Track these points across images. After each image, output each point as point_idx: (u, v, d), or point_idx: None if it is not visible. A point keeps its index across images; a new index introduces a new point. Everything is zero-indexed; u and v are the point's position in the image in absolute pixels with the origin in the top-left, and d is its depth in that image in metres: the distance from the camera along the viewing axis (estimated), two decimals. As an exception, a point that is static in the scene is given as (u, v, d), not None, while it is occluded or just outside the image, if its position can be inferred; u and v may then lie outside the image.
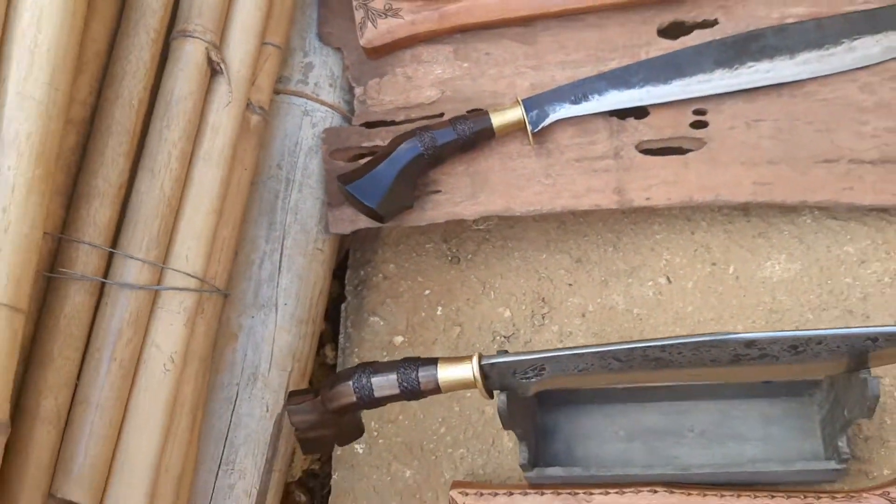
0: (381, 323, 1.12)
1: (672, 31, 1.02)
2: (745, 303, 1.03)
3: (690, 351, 0.75)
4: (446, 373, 0.80)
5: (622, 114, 1.01)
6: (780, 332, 0.73)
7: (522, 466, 0.91)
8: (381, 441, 1.07)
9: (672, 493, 0.90)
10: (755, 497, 0.90)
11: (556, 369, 0.78)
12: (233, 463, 0.92)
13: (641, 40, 1.01)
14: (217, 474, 0.91)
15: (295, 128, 1.02)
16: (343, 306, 1.14)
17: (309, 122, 1.03)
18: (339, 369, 1.11)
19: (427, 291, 1.12)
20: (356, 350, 1.11)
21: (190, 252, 0.84)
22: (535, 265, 1.10)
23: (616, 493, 0.92)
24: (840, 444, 0.85)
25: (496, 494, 0.95)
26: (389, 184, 0.95)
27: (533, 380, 0.79)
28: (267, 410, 0.94)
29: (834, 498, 0.89)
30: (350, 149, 1.01)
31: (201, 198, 0.85)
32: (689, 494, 0.90)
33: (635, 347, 0.75)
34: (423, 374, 0.80)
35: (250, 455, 0.93)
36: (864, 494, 0.88)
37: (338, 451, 1.07)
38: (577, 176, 1.00)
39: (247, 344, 0.95)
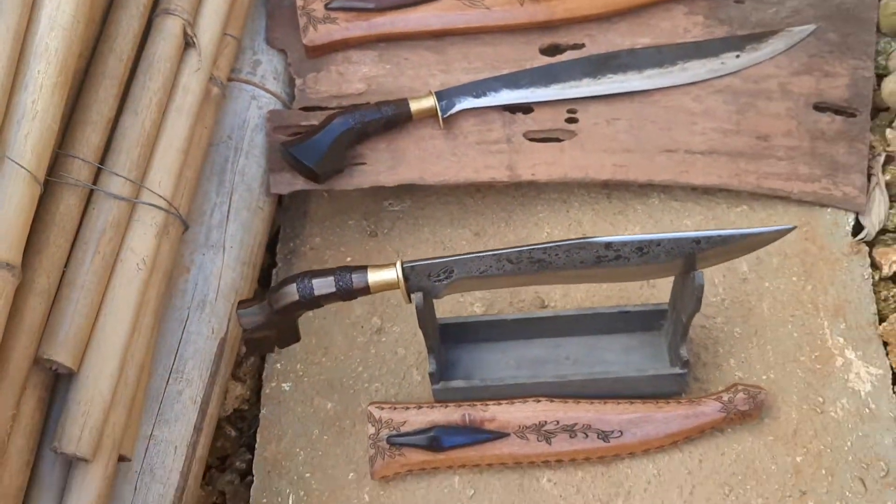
0: (308, 285, 1.30)
1: (550, 50, 1.30)
2: (609, 264, 1.27)
3: (564, 252, 0.97)
4: (375, 275, 0.99)
5: (513, 109, 1.27)
6: (629, 235, 0.97)
7: (431, 375, 1.10)
8: (305, 379, 1.23)
9: (552, 401, 1.11)
10: (618, 403, 1.11)
11: (462, 271, 0.99)
12: (181, 372, 1.06)
13: (526, 56, 1.29)
14: (168, 381, 1.05)
15: (244, 108, 1.22)
16: (274, 271, 1.31)
17: (256, 105, 1.23)
18: (269, 323, 1.27)
19: (349, 259, 1.31)
20: (285, 306, 1.28)
21: (162, 180, 1.01)
22: (441, 238, 1.31)
23: (507, 403, 1.11)
24: (681, 351, 1.09)
25: (407, 408, 1.13)
26: (325, 149, 1.16)
27: (444, 281, 0.99)
28: (213, 332, 1.10)
29: (679, 403, 1.11)
30: (289, 126, 1.22)
31: (172, 140, 1.03)
32: (566, 402, 1.11)
33: (522, 250, 0.97)
34: (356, 276, 0.99)
35: (197, 368, 1.07)
36: (703, 399, 1.11)
37: (266, 388, 1.22)
38: (477, 155, 1.24)
39: (198, 276, 1.11)
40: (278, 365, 1.24)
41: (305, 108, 1.24)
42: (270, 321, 1.01)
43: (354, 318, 1.27)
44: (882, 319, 1.19)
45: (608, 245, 0.97)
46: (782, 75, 1.30)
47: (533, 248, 0.97)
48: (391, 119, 1.20)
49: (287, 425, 1.19)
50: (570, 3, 1.27)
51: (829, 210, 1.28)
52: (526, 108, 1.27)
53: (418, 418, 1.11)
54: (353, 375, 1.23)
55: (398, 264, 0.98)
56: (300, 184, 1.21)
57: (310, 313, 1.27)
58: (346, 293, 0.99)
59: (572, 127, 1.27)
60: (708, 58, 1.29)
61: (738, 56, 1.29)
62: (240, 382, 1.23)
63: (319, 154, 1.16)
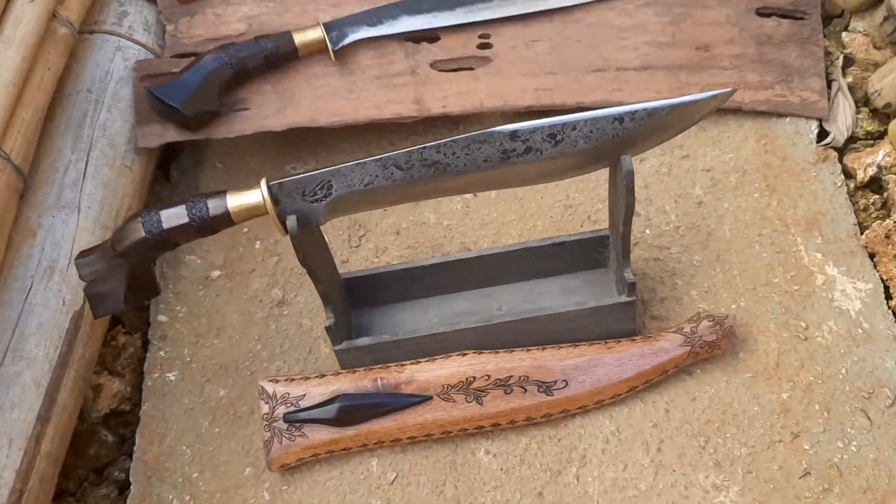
0: (199, 261, 1.11)
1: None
2: (542, 204, 1.10)
3: (463, 150, 0.80)
4: (236, 199, 0.81)
5: (416, 39, 1.11)
6: (538, 121, 0.80)
7: (329, 332, 0.91)
8: (194, 366, 1.03)
9: (480, 353, 0.92)
10: (559, 348, 0.92)
11: (343, 185, 0.81)
12: (21, 351, 0.87)
13: (427, -17, 1.14)
14: (2, 361, 0.86)
15: (107, 60, 1.07)
16: (160, 252, 1.13)
17: (121, 57, 1.08)
18: (153, 306, 1.09)
19: (245, 229, 1.13)
20: (171, 286, 1.09)
21: (-19, 113, 0.85)
22: (351, 198, 1.14)
23: (427, 361, 0.92)
24: (625, 274, 0.90)
25: (307, 378, 0.93)
26: (194, 87, 1.00)
27: (323, 201, 0.82)
28: (64, 304, 0.91)
29: (633, 342, 0.92)
30: (160, 76, 1.06)
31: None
32: (496, 353, 0.92)
33: (412, 150, 0.80)
34: (214, 202, 0.81)
35: (42, 346, 0.88)
36: (661, 334, 0.92)
37: (148, 381, 1.03)
38: (377, 91, 1.08)
39: (45, 240, 0.93)
40: (161, 352, 1.05)
41: (178, 56, 1.09)
42: (115, 269, 0.83)
43: (252, 292, 1.08)
44: (864, 230, 1.02)
45: (514, 134, 0.80)
46: (718, -18, 1.15)
47: (425, 148, 0.80)
48: (273, 55, 1.05)
49: (172, 420, 1.00)
50: (472, -80, 1.13)
51: (787, 119, 1.11)
52: (431, 37, 1.12)
53: (320, 389, 0.92)
54: (249, 356, 1.03)
55: (263, 182, 0.81)
56: (171, 134, 1.04)
57: (199, 290, 1.09)
58: (204, 225, 0.81)
59: (486, 53, 1.11)
60: (629, -31, 1.15)
61: (662, -35, 1.15)
62: (117, 377, 1.04)
63: (186, 93, 1.00)
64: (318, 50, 1.07)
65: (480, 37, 1.12)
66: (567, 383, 0.90)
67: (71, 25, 1.00)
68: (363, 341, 0.93)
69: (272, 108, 1.07)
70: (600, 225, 1.07)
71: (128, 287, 0.84)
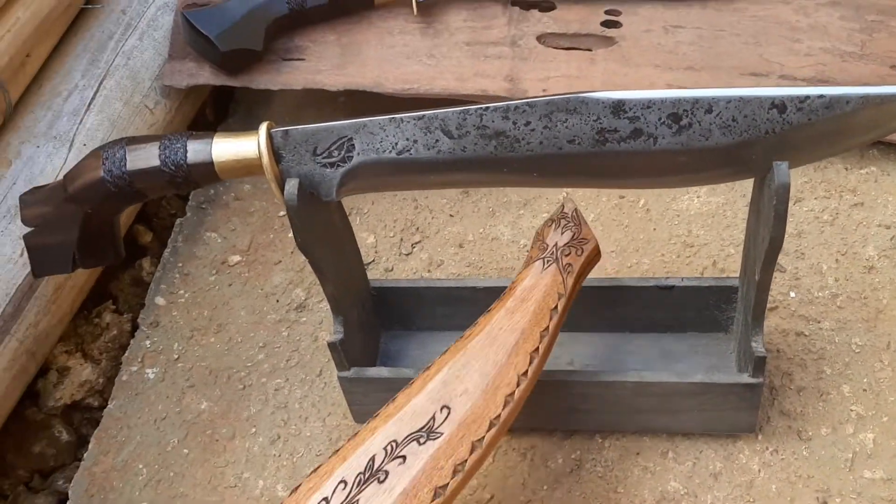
0: (220, 240, 0.92)
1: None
2: (653, 237, 0.83)
3: (541, 120, 0.56)
4: (224, 146, 0.60)
5: (526, 4, 0.88)
6: (657, 91, 0.54)
7: (333, 349, 0.67)
8: (180, 365, 0.83)
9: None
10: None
11: (368, 147, 0.58)
12: (-49, 301, 0.69)
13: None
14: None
15: (154, -19, 0.89)
16: (178, 221, 0.94)
17: (172, -19, 0.90)
18: (154, 285, 0.89)
19: (282, 213, 0.93)
20: (180, 265, 0.90)
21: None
22: (415, 194, 0.92)
23: None
24: (753, 343, 0.63)
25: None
26: (236, 18, 0.81)
27: (340, 167, 0.59)
28: (21, 255, 0.73)
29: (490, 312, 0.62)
30: (209, 5, 0.88)
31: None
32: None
33: (469, 110, 0.56)
34: (194, 146, 0.60)
35: (-17, 300, 0.70)
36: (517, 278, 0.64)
37: (123, 374, 0.83)
38: (465, 59, 0.86)
39: (20, 173, 0.76)
40: (148, 342, 0.85)
41: (237, -13, 0.90)
42: (66, 217, 0.63)
43: (271, 288, 0.87)
44: None
45: (618, 107, 0.55)
46: (936, -13, 0.87)
47: (486, 110, 0.56)
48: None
49: (136, 428, 0.79)
50: None
51: None
52: (546, 4, 0.88)
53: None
54: (248, 365, 0.82)
55: (263, 127, 0.59)
56: (205, 76, 0.85)
57: (212, 275, 0.89)
58: (178, 174, 0.60)
59: (611, 32, 0.87)
60: (821, -43, 0.88)
61: (867, -42, 0.88)
62: (91, 362, 0.85)
63: (225, 23, 0.80)
64: (399, 1, 0.86)
65: (608, 13, 0.87)
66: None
67: (111, -71, 0.83)
68: (376, 372, 0.69)
69: (331, 62, 0.86)
70: (728, 274, 0.79)
71: (79, 243, 0.64)
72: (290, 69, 0.85)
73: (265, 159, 0.59)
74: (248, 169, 0.60)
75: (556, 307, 0.62)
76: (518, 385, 0.58)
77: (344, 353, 0.68)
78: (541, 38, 0.87)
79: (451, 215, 0.90)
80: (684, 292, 0.71)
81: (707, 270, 0.80)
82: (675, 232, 0.83)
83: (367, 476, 0.54)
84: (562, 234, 0.65)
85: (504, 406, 0.57)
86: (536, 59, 0.85)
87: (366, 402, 0.71)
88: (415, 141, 0.58)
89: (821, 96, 0.53)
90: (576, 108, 0.55)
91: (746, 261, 0.66)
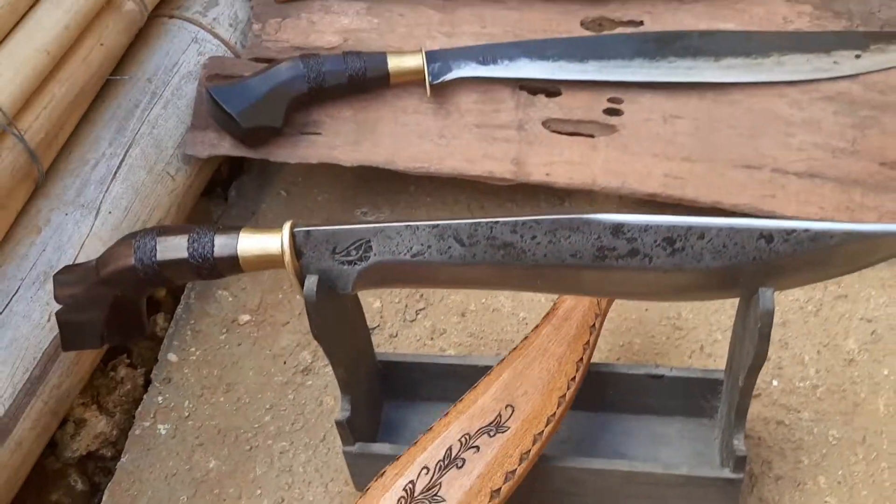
0: (230, 299, 0.95)
1: (595, 26, 0.97)
2: (645, 317, 0.88)
3: (546, 235, 0.60)
4: (250, 242, 0.64)
5: (534, 89, 0.92)
6: (654, 216, 0.59)
7: (340, 428, 0.71)
8: (190, 423, 0.87)
9: None
10: None
11: (385, 249, 0.62)
12: (-20, 366, 0.72)
13: (562, 29, 0.96)
14: (-46, 374, 0.72)
15: (179, 50, 0.94)
16: (194, 276, 0.98)
17: (196, 49, 0.94)
18: (167, 341, 0.93)
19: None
20: (192, 322, 0.94)
21: (2, 77, 0.72)
22: (421, 261, 0.96)
23: None
24: (735, 442, 0.67)
25: None
26: (259, 96, 0.85)
27: (357, 265, 0.63)
28: (48, 320, 0.76)
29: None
30: (232, 77, 0.92)
31: (34, 33, 0.75)
32: None
33: (481, 223, 0.61)
34: (221, 241, 0.64)
35: (9, 363, 0.73)
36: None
37: (136, 429, 0.87)
38: (474, 141, 0.90)
39: (49, 240, 0.79)
40: (160, 398, 0.89)
41: (257, 59, 0.94)
42: (97, 297, 0.67)
43: (278, 349, 0.91)
44: None
45: (618, 229, 0.59)
46: (923, 87, 0.91)
47: (496, 223, 0.61)
48: (360, 77, 0.88)
49: (148, 483, 0.83)
50: (628, -36, 0.95)
51: None
52: (552, 90, 0.93)
53: None
54: (255, 426, 0.86)
55: (286, 227, 0.63)
56: (225, 146, 0.89)
57: (222, 334, 0.93)
58: (205, 265, 0.64)
59: (613, 120, 0.91)
60: (815, 53, 0.92)
61: (857, 56, 0.92)
62: (106, 415, 0.88)
63: (248, 101, 0.84)
64: (413, 81, 0.90)
65: (610, 100, 0.92)
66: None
67: (141, 2, 0.87)
68: (380, 448, 0.73)
69: (347, 138, 0.90)
70: (715, 360, 0.84)
71: (107, 321, 0.68)
72: (306, 143, 0.90)
73: (287, 257, 0.63)
74: (270, 263, 0.64)
75: (594, 325, 0.73)
76: (568, 388, 0.70)
77: (350, 430, 0.72)
78: (546, 123, 0.91)
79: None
80: (673, 381, 0.75)
81: (695, 354, 0.84)
82: (666, 314, 0.87)
83: (446, 463, 0.64)
84: None
85: (558, 406, 0.69)
86: (541, 144, 0.90)
87: (368, 473, 0.75)
88: (429, 246, 0.62)
89: (806, 230, 0.57)
90: (578, 227, 0.60)
91: (731, 360, 0.70)
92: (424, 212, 0.99)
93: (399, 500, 0.63)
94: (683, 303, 0.88)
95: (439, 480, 0.63)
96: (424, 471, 0.64)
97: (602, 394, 0.78)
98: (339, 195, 1.01)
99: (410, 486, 0.63)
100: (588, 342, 0.72)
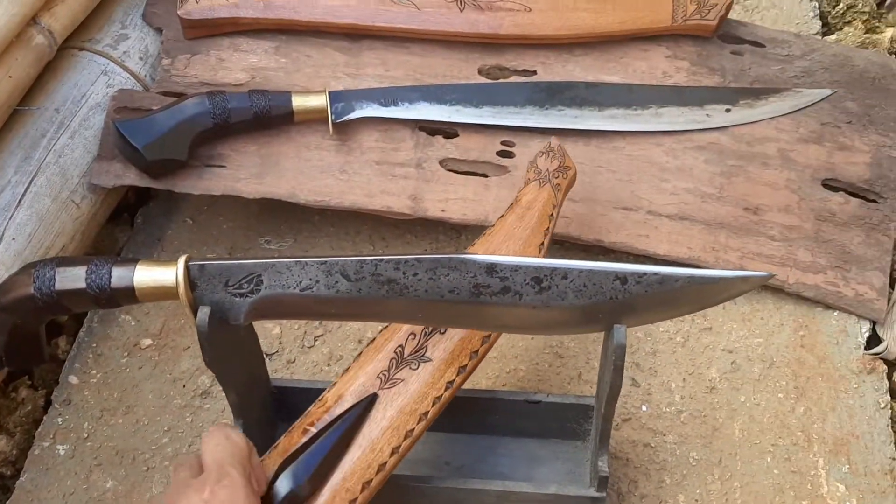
0: (133, 323, 0.98)
1: (493, 73, 1.03)
2: (530, 345, 0.94)
3: (427, 273, 0.65)
4: (145, 274, 0.67)
5: (433, 131, 0.98)
6: (525, 258, 0.65)
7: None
8: (89, 444, 0.88)
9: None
10: None
11: (275, 283, 0.67)
12: None
13: (462, 75, 1.02)
14: None
15: (88, 82, 0.96)
16: (97, 301, 1.00)
17: (105, 82, 0.97)
18: (68, 363, 0.95)
19: (195, 300, 0.99)
20: (94, 346, 0.96)
21: None
22: (321, 289, 1.00)
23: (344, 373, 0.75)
24: (600, 463, 0.73)
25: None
26: (164, 132, 0.88)
27: (249, 297, 0.67)
28: (-55, 344, 0.77)
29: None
30: (139, 110, 0.95)
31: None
32: None
33: (366, 260, 0.66)
34: (119, 271, 0.67)
35: None
36: (519, 195, 0.85)
37: (36, 449, 0.88)
38: (373, 177, 0.95)
39: (-52, 266, 0.81)
40: (60, 419, 0.90)
41: (166, 93, 0.97)
42: (-6, 323, 0.69)
43: (178, 373, 0.94)
44: (903, 468, 0.84)
45: (491, 268, 0.65)
46: (784, 140, 1.01)
47: (381, 261, 0.66)
48: (264, 114, 0.92)
49: (46, 502, 0.85)
50: (522, 18, 1.01)
51: (835, 313, 0.94)
52: (450, 132, 0.99)
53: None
54: (152, 447, 0.88)
55: (181, 260, 0.67)
56: (130, 177, 0.92)
57: (123, 357, 0.95)
58: (102, 296, 0.67)
59: (505, 161, 0.98)
60: (690, 106, 1.01)
61: (728, 110, 1.01)
62: (6, 434, 0.89)
63: (153, 135, 0.87)
64: (317, 119, 0.95)
65: (503, 143, 0.99)
66: None
67: (51, 36, 0.90)
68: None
69: (250, 172, 0.94)
70: (591, 386, 0.91)
71: (6, 348, 0.70)
72: (211, 175, 0.93)
73: (181, 289, 0.66)
74: (166, 295, 0.67)
75: (552, 214, 0.83)
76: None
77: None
78: (443, 163, 0.97)
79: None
80: (549, 406, 0.81)
81: (573, 381, 0.91)
82: (549, 343, 0.94)
83: (430, 329, 0.73)
84: (551, 161, 0.86)
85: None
86: (438, 182, 0.96)
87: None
88: (317, 281, 0.66)
89: (655, 273, 0.64)
90: (456, 266, 0.65)
91: (599, 388, 0.77)
92: (327, 241, 1.04)
93: (390, 360, 0.72)
94: (566, 342, 0.94)
95: (425, 343, 0.73)
96: (412, 336, 0.73)
97: (484, 419, 0.83)
98: (244, 223, 1.05)
99: (399, 349, 0.73)
100: (548, 228, 0.82)
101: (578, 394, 0.89)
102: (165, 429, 0.89)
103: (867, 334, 0.93)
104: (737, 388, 0.89)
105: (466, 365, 0.72)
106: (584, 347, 0.93)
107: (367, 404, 0.70)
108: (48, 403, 0.92)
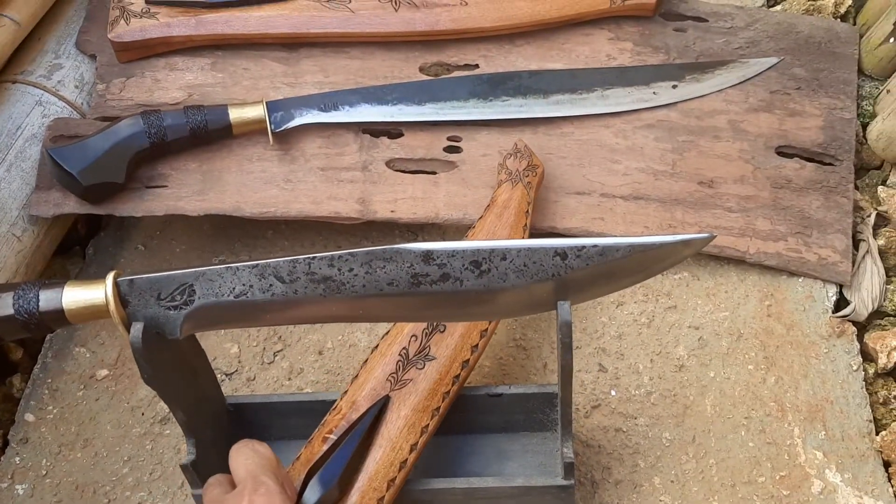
0: (88, 355, 0.95)
1: (434, 71, 1.02)
2: (495, 340, 0.92)
3: (363, 267, 0.63)
4: (74, 294, 0.65)
5: (376, 132, 0.97)
6: (460, 242, 0.63)
7: (185, 470, 0.72)
8: (48, 480, 0.86)
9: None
10: None
11: (209, 292, 0.64)
12: None
13: (403, 75, 1.01)
14: None
15: (22, 114, 0.94)
16: (48, 337, 0.97)
17: (40, 112, 0.95)
18: (24, 401, 0.92)
19: (151, 325, 0.97)
20: (49, 381, 0.93)
21: None
22: (278, 304, 0.98)
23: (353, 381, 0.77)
24: (565, 449, 0.71)
25: None
26: (99, 155, 0.86)
27: (183, 309, 0.65)
28: None
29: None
30: (76, 137, 0.93)
31: None
32: None
33: (298, 260, 0.64)
34: (46, 295, 0.65)
35: None
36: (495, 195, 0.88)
37: (-9, 494, 0.86)
38: (319, 183, 0.93)
39: None
40: (17, 458, 0.88)
41: (102, 119, 0.95)
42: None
43: (136, 401, 0.91)
44: (880, 429, 0.81)
45: (428, 256, 0.63)
46: (734, 111, 1.00)
47: (314, 259, 0.64)
48: (202, 130, 0.91)
49: (3, 546, 0.82)
50: (458, 12, 1.00)
51: (800, 280, 0.93)
52: (394, 132, 0.97)
53: None
54: (112, 479, 0.86)
55: (109, 277, 0.65)
56: (70, 205, 0.90)
57: (80, 390, 0.92)
58: (32, 321, 0.65)
59: (453, 157, 0.96)
60: (636, 86, 1.00)
61: (674, 86, 1.00)
62: (-39, 481, 0.87)
63: (88, 160, 0.86)
64: (257, 130, 0.93)
65: (450, 139, 0.97)
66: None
67: (-22, 69, 0.88)
68: (229, 487, 0.74)
69: (193, 189, 0.92)
70: (556, 375, 0.88)
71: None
72: (152, 196, 0.91)
73: (111, 306, 0.64)
74: (97, 314, 0.65)
75: (527, 211, 0.86)
76: None
77: (197, 473, 0.73)
78: (390, 163, 0.95)
79: (311, 324, 0.96)
80: (512, 399, 0.79)
81: (538, 372, 0.89)
82: (513, 336, 0.92)
83: (430, 329, 0.76)
84: (520, 162, 0.89)
85: None
86: (385, 183, 0.94)
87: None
88: (251, 286, 0.64)
89: (594, 245, 0.62)
90: (392, 257, 0.63)
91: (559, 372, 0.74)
92: (283, 255, 1.01)
93: (397, 363, 0.75)
94: (529, 320, 0.92)
95: (427, 344, 0.75)
96: (413, 338, 0.76)
97: (447, 418, 0.80)
98: (197, 245, 1.03)
99: (404, 351, 0.75)
100: (525, 224, 0.85)
101: (543, 383, 0.87)
102: (125, 458, 0.87)
103: (834, 298, 0.91)
104: (705, 364, 0.87)
105: (469, 359, 0.76)
106: (548, 337, 0.91)
107: (381, 407, 0.73)
108: (5, 443, 0.90)
